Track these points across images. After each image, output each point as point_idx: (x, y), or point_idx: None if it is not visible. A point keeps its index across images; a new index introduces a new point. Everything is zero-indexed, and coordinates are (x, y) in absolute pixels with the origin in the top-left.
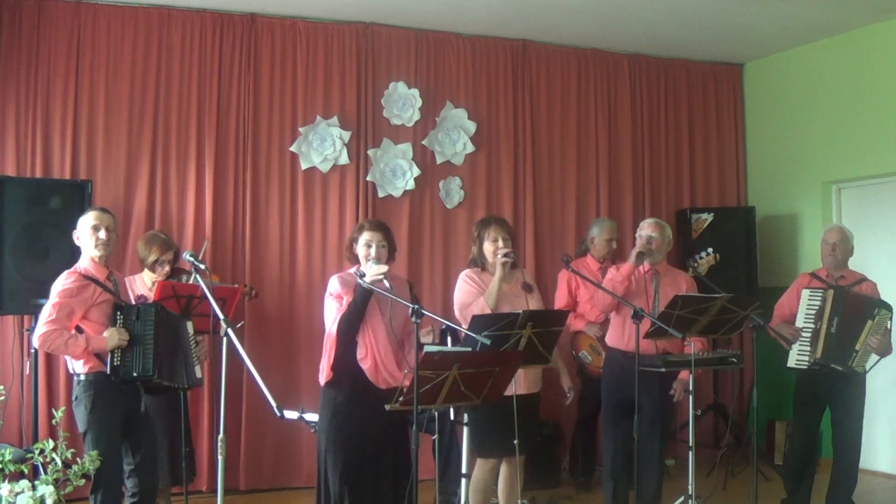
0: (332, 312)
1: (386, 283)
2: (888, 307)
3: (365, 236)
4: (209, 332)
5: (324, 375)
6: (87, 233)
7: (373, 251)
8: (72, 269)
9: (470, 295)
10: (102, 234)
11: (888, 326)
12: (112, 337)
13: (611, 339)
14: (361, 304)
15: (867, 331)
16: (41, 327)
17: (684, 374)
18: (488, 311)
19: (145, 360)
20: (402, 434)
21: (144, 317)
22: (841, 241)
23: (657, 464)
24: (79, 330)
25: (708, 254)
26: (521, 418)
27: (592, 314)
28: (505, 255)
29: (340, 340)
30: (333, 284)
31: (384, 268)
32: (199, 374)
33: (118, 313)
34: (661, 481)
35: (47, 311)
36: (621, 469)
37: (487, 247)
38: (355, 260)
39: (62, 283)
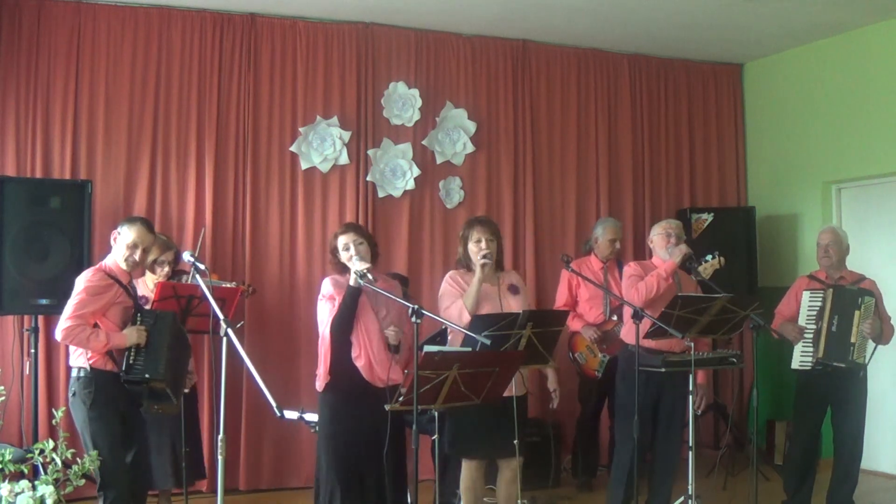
0: (326, 314)
1: (370, 276)
2: (870, 294)
3: (341, 240)
4: (209, 332)
5: (321, 379)
6: (124, 244)
7: (352, 251)
8: (98, 266)
9: (449, 297)
10: (138, 255)
11: (874, 311)
12: (132, 334)
13: (633, 337)
14: (351, 302)
15: (857, 321)
16: (64, 321)
17: (702, 379)
18: (466, 315)
19: (157, 363)
20: (401, 433)
21: (161, 323)
22: (834, 242)
23: (677, 465)
24: (96, 327)
25: (714, 257)
26: (505, 419)
27: (591, 315)
28: (483, 258)
29: (334, 341)
30: (326, 286)
31: (367, 264)
32: (174, 400)
33: (138, 315)
34: (672, 483)
35: (71, 306)
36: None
37: (471, 247)
38: (341, 268)
39: (87, 278)
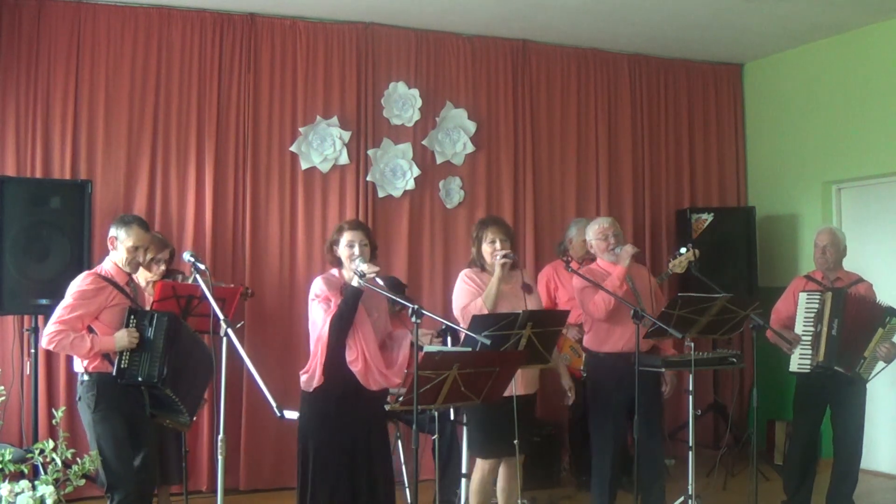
0: (320, 315)
1: (379, 280)
2: None
3: (346, 236)
4: (209, 332)
5: (315, 380)
6: (125, 249)
7: (356, 250)
8: (92, 270)
9: (468, 295)
10: (140, 256)
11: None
12: (121, 338)
13: (599, 344)
14: (354, 303)
15: (877, 339)
16: (50, 326)
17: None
18: (486, 312)
19: (151, 367)
20: (385, 435)
21: (157, 324)
22: (831, 244)
23: (662, 464)
24: (90, 330)
25: (688, 249)
26: (518, 418)
27: (572, 316)
28: (504, 256)
29: (331, 342)
30: (318, 286)
31: (376, 268)
32: (188, 417)
33: (132, 317)
34: (664, 482)
35: (59, 311)
36: (616, 474)
37: (485, 248)
38: (336, 262)
39: (78, 284)
